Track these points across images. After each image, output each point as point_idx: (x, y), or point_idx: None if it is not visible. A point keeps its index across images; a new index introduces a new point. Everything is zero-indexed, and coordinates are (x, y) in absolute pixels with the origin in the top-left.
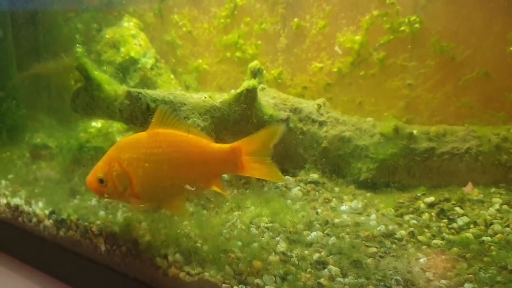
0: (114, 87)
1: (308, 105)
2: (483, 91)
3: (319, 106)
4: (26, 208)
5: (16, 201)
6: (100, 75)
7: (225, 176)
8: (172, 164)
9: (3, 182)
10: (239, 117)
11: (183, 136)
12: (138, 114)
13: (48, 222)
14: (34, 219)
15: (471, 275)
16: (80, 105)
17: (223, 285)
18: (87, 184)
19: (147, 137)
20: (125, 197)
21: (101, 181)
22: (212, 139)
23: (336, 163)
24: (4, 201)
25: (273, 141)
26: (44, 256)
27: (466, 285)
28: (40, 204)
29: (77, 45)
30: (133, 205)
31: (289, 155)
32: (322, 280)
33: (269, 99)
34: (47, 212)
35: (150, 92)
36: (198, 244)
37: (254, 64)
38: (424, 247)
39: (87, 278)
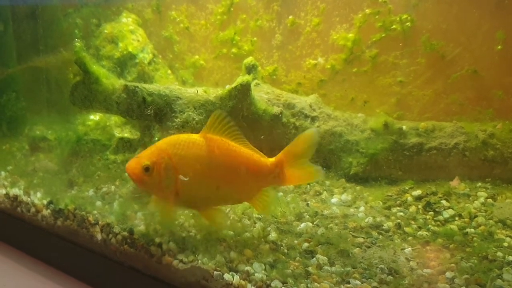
0: (112, 81)
1: (301, 101)
2: (472, 89)
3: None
4: (24, 198)
5: (15, 191)
6: (98, 69)
7: None
8: (221, 172)
9: (3, 173)
10: (232, 111)
11: (235, 147)
12: (134, 107)
13: (46, 212)
14: (33, 209)
15: (453, 265)
16: (78, 98)
17: (215, 272)
18: (128, 170)
19: (201, 140)
20: (166, 192)
21: (146, 169)
22: (259, 152)
23: (328, 157)
24: (3, 191)
25: (312, 146)
26: (42, 245)
27: (447, 273)
28: (39, 194)
29: (76, 39)
30: (169, 205)
31: (282, 149)
32: (310, 269)
33: (263, 95)
34: (45, 202)
35: (147, 86)
36: (192, 233)
37: (249, 60)
38: (409, 238)
39: (84, 266)
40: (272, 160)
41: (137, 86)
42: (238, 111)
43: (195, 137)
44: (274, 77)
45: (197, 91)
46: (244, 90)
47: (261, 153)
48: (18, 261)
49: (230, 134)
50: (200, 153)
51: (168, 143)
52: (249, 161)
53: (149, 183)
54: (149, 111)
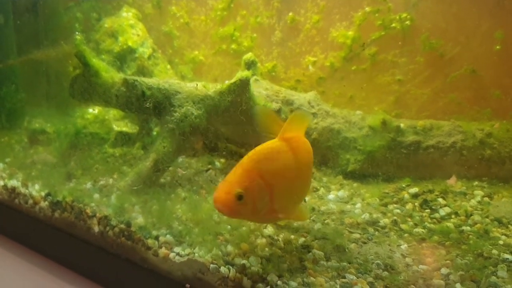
0: (111, 74)
1: (300, 98)
2: (470, 88)
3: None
4: (22, 190)
5: (13, 183)
6: (98, 62)
7: (218, 164)
8: (305, 169)
9: (1, 165)
10: (230, 106)
11: (306, 140)
12: (133, 100)
13: (43, 204)
14: (30, 201)
15: (448, 261)
16: (78, 90)
17: (211, 265)
18: (218, 204)
19: (281, 144)
20: (262, 215)
21: (239, 197)
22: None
23: (325, 154)
24: (1, 183)
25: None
26: (39, 237)
27: (442, 270)
28: (37, 186)
29: (77, 33)
30: (267, 221)
31: None
32: (306, 263)
33: (262, 91)
34: (43, 194)
35: (146, 80)
36: (189, 227)
37: (248, 56)
38: (406, 235)
39: (81, 258)
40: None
41: (137, 80)
42: (237, 106)
43: (276, 143)
44: (273, 73)
45: (197, 86)
46: (243, 86)
47: None
48: (15, 253)
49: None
50: (288, 160)
51: (253, 159)
52: (311, 155)
53: (244, 212)
54: (148, 104)
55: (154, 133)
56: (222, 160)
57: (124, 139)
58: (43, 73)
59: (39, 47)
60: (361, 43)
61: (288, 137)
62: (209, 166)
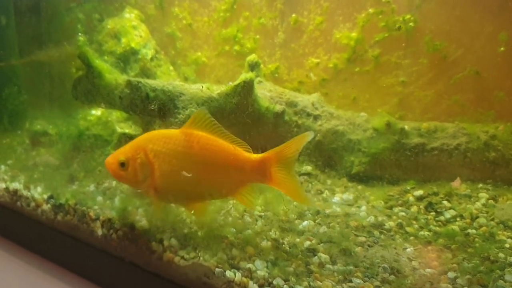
0: (115, 76)
1: (304, 99)
2: (473, 90)
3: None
4: (24, 192)
5: (15, 185)
6: (101, 64)
7: None
8: (200, 167)
9: (3, 167)
10: (235, 108)
11: (216, 141)
12: (137, 102)
13: (46, 207)
14: (33, 204)
15: (455, 265)
16: (81, 92)
17: (216, 269)
18: (106, 165)
19: (180, 135)
20: (143, 187)
21: (122, 164)
22: (246, 146)
23: (329, 156)
24: (3, 185)
25: (299, 149)
26: (41, 240)
27: (449, 273)
28: (39, 189)
29: (79, 34)
30: (153, 199)
31: None
32: (312, 267)
33: (265, 92)
34: (45, 196)
35: (150, 81)
36: (193, 230)
37: (252, 57)
38: (411, 238)
39: (84, 262)
40: (256, 156)
41: (140, 82)
42: (241, 108)
43: (174, 132)
44: (276, 75)
45: (202, 88)
46: (247, 88)
47: (249, 149)
48: (17, 256)
49: (214, 131)
50: (178, 149)
51: (146, 139)
52: (230, 156)
53: (125, 178)
54: (153, 106)
55: None
56: None
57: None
58: (45, 74)
59: (41, 48)
60: (365, 45)
61: (189, 132)
62: None
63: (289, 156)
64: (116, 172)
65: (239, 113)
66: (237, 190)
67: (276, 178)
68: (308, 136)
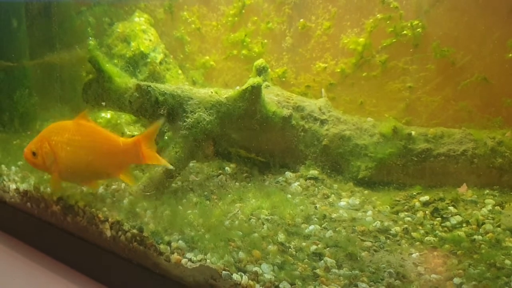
0: (125, 80)
1: (311, 104)
2: (481, 96)
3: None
4: (35, 193)
5: (25, 186)
6: (111, 68)
7: (228, 169)
8: (87, 151)
9: (13, 168)
10: (243, 113)
11: (99, 130)
12: (147, 106)
13: (56, 208)
14: (42, 205)
15: (460, 271)
16: (91, 96)
17: (223, 272)
18: (23, 155)
19: (72, 125)
20: (51, 171)
21: (34, 154)
22: (119, 134)
23: (336, 160)
24: (13, 186)
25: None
26: (51, 241)
27: (455, 279)
28: (49, 190)
29: (90, 38)
30: (54, 180)
31: (291, 151)
32: (318, 271)
33: (273, 97)
34: (55, 198)
35: (159, 85)
36: (201, 232)
37: (260, 62)
38: (417, 243)
39: (92, 263)
40: (127, 140)
41: (150, 86)
42: (249, 113)
43: (68, 123)
44: (284, 79)
45: (211, 92)
46: (255, 92)
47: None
48: (27, 256)
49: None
50: (71, 137)
51: (48, 131)
52: (110, 141)
53: (38, 164)
54: (162, 111)
55: (166, 137)
56: (233, 165)
57: None
58: (55, 77)
59: (51, 51)
60: (372, 50)
61: (80, 122)
62: (220, 171)
63: (151, 138)
64: (30, 160)
65: (247, 118)
66: (120, 171)
67: (146, 155)
68: (159, 123)
